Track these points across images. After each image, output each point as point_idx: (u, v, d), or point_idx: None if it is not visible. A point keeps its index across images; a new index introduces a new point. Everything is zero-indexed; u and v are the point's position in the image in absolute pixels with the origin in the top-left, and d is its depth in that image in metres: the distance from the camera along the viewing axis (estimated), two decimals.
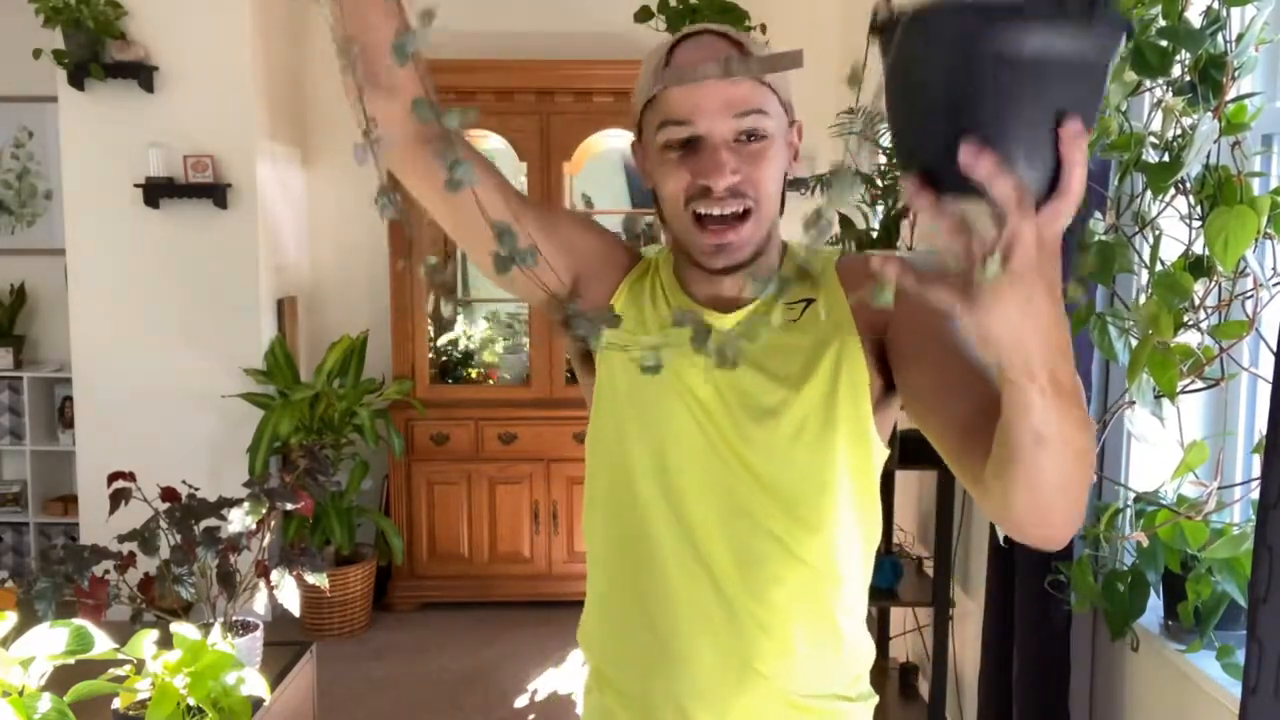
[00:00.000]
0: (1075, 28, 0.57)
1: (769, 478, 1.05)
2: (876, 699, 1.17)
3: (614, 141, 4.34)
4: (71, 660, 1.59)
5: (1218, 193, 1.55)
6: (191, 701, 1.76)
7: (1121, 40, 0.61)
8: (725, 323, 1.08)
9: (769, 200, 1.03)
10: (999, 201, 0.58)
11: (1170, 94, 1.58)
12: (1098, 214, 1.76)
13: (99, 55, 3.73)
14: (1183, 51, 1.53)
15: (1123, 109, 1.64)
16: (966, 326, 0.64)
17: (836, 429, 1.04)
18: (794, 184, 1.09)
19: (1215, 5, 1.50)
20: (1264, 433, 1.38)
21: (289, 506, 2.33)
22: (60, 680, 1.61)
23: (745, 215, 1.02)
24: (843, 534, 1.08)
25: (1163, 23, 1.52)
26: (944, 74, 0.58)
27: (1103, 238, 1.68)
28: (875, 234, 2.98)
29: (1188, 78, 1.55)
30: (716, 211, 1.01)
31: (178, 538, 2.22)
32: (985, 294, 0.61)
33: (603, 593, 1.15)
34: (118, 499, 2.30)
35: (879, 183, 2.90)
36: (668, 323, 1.09)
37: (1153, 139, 1.62)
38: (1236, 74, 1.51)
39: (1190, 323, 1.62)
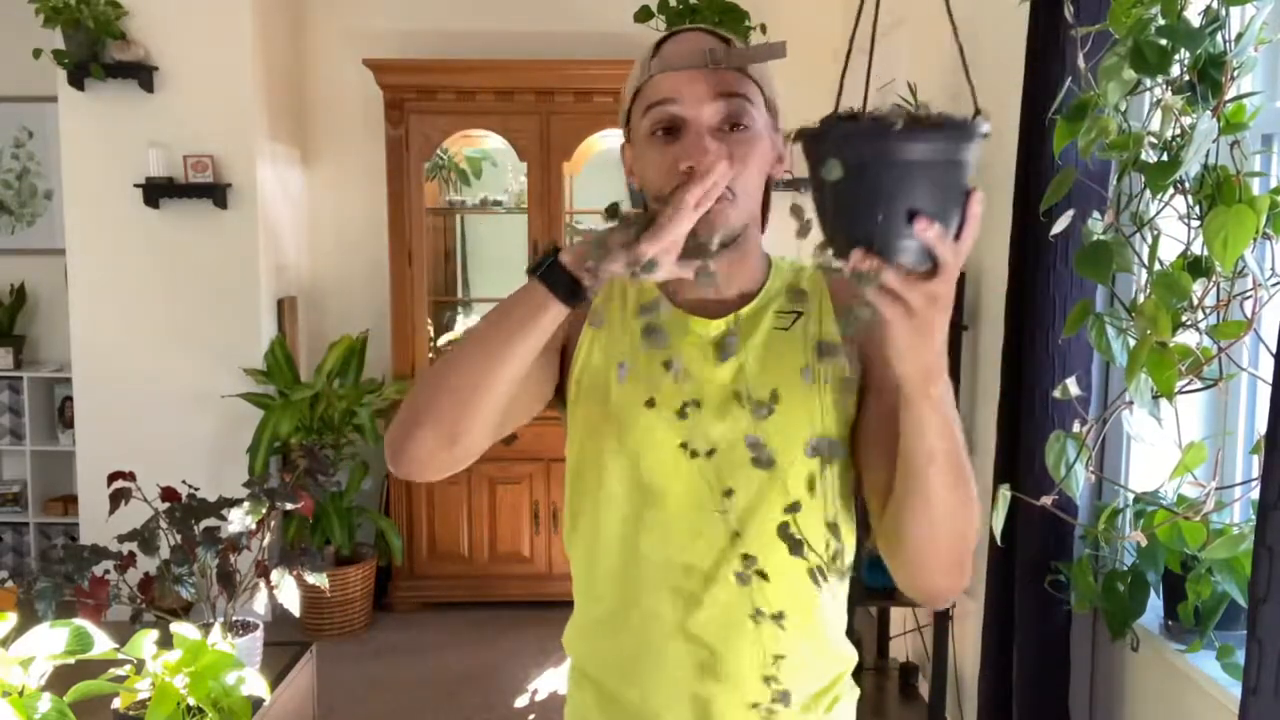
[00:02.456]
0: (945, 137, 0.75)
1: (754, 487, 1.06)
2: (858, 692, 1.19)
3: (614, 141, 4.34)
4: (71, 660, 1.58)
5: (1217, 192, 1.55)
6: (191, 701, 1.76)
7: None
8: (711, 328, 1.09)
9: (748, 196, 1.03)
10: (938, 255, 0.77)
11: (1169, 93, 1.57)
12: (1096, 214, 1.76)
13: (99, 55, 3.73)
14: (1182, 50, 1.53)
15: (1122, 108, 1.64)
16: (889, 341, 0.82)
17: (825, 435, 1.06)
18: (789, 184, 1.10)
19: (1214, 4, 1.50)
20: (1263, 433, 1.38)
21: (289, 506, 2.33)
22: (60, 680, 1.60)
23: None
24: (825, 542, 1.08)
25: (1162, 21, 1.52)
26: (907, 175, 0.75)
27: (1101, 237, 1.68)
28: None
29: (1187, 77, 1.55)
30: None
31: (178, 538, 2.22)
32: (910, 317, 0.79)
33: (587, 599, 1.17)
34: (118, 499, 2.30)
35: None
36: (635, 314, 1.10)
37: (1151, 138, 1.62)
38: (1235, 73, 1.51)
39: (1189, 323, 1.62)
